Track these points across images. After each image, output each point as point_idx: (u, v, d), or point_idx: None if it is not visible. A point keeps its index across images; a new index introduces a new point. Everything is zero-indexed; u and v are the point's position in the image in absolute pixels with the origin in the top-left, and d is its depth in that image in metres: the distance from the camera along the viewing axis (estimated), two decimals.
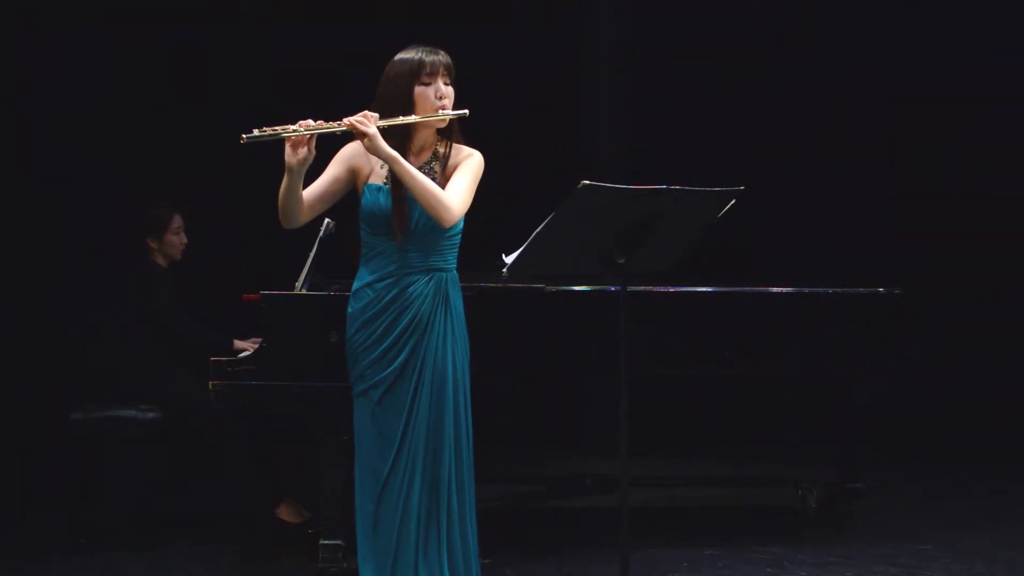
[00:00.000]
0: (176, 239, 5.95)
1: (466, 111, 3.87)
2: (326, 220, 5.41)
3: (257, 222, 7.08)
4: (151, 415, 5.67)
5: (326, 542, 4.98)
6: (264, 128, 3.69)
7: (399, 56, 3.93)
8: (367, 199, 3.92)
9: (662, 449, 7.19)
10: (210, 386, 4.98)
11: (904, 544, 5.55)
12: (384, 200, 3.89)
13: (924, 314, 6.57)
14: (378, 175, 3.93)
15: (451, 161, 3.95)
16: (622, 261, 3.81)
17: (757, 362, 5.50)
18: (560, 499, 6.58)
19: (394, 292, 3.90)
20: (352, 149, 3.94)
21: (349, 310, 3.98)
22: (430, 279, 3.93)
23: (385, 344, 3.90)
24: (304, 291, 5.15)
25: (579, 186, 3.64)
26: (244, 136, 3.71)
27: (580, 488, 6.70)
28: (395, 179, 3.84)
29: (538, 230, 3.75)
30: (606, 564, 5.07)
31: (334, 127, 3.75)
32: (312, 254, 5.29)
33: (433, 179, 3.89)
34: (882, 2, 7.76)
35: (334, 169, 3.95)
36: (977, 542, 5.60)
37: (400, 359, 3.89)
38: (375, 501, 3.91)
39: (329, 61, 7.33)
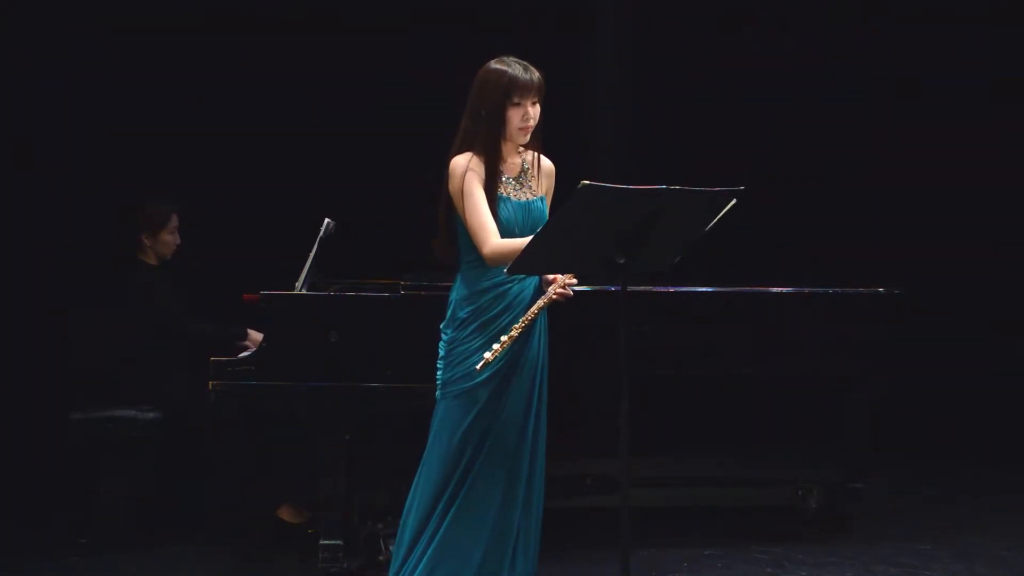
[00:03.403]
0: (171, 238, 5.94)
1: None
2: (326, 220, 5.42)
3: (257, 222, 7.13)
4: (151, 415, 5.67)
5: (326, 542, 4.98)
6: (494, 352, 3.84)
7: (492, 68, 4.01)
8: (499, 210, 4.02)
9: (662, 449, 7.17)
10: (210, 386, 4.98)
11: (904, 544, 5.55)
12: (513, 212, 4.02)
13: (924, 314, 6.58)
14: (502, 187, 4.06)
15: (542, 170, 4.15)
16: (622, 261, 3.81)
17: (757, 362, 5.50)
18: (560, 499, 6.56)
19: (511, 296, 4.03)
20: (474, 171, 4.00)
21: (461, 314, 4.05)
22: (533, 280, 4.08)
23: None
24: (304, 291, 5.15)
25: (579, 186, 3.64)
26: (478, 367, 3.88)
27: (580, 488, 6.69)
28: (489, 191, 4.00)
29: (538, 230, 3.76)
30: (606, 564, 5.07)
31: (542, 305, 3.91)
32: (312, 254, 5.29)
33: (529, 186, 4.10)
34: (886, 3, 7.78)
35: (481, 188, 4.01)
36: (977, 542, 5.60)
37: (509, 359, 3.98)
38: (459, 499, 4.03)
39: (329, 60, 7.33)
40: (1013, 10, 7.60)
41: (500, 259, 3.94)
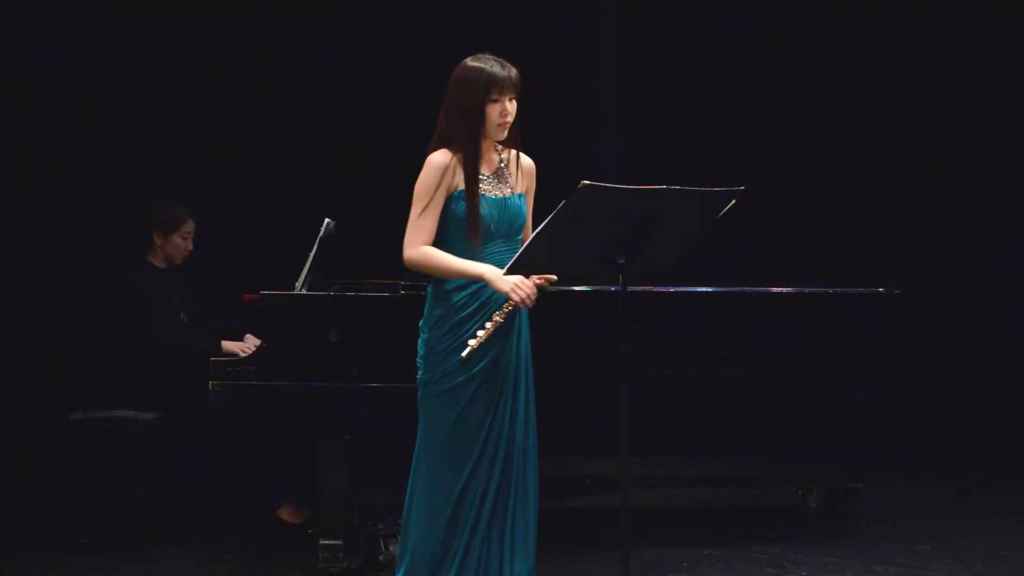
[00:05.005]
0: (182, 243, 5.89)
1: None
2: (326, 220, 5.41)
3: (257, 222, 7.14)
4: (151, 415, 5.67)
5: (326, 542, 4.98)
6: (478, 339, 3.89)
7: (470, 66, 4.01)
8: (463, 207, 4.00)
9: (662, 449, 7.18)
10: (210, 386, 4.98)
11: (904, 544, 5.54)
12: (489, 208, 4.02)
13: (924, 314, 6.58)
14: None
15: (521, 167, 4.13)
16: (622, 261, 3.81)
17: (757, 362, 5.49)
18: (560, 499, 6.57)
19: (485, 295, 4.00)
20: (440, 171, 3.99)
21: (437, 311, 4.04)
22: None
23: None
24: (304, 291, 5.15)
25: (579, 186, 3.64)
26: (463, 355, 3.92)
27: (580, 488, 6.69)
28: (469, 187, 3.99)
29: (538, 230, 3.76)
30: (606, 564, 5.07)
31: (509, 308, 3.93)
32: (312, 254, 5.29)
33: (507, 183, 4.07)
34: (881, 6, 7.78)
35: (440, 197, 4.00)
36: (977, 542, 5.60)
37: (488, 358, 3.98)
38: (457, 494, 4.02)
39: (326, 51, 7.33)
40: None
41: (419, 265, 3.99)
